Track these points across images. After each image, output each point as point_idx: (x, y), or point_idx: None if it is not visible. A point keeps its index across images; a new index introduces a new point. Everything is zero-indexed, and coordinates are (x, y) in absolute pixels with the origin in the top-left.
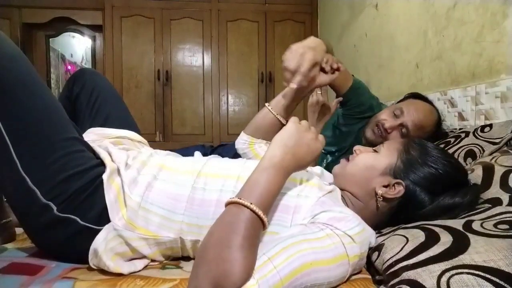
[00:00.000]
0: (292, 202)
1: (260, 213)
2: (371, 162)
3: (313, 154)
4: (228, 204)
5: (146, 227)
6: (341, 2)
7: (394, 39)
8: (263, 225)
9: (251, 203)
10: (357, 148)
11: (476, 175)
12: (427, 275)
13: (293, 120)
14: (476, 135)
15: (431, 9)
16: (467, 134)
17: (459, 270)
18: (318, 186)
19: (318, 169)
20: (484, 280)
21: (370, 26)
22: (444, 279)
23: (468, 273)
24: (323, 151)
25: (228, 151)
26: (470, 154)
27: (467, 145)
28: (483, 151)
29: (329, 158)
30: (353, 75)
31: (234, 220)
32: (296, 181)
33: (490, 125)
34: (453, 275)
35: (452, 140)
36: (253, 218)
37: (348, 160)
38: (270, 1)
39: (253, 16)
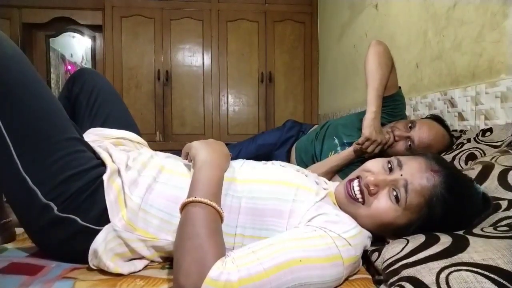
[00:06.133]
0: (287, 207)
1: (214, 204)
2: (390, 220)
3: (222, 146)
4: (186, 204)
5: (146, 229)
6: (341, 2)
7: (394, 39)
8: (219, 214)
9: (204, 199)
10: (371, 182)
11: (474, 173)
12: (426, 272)
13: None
14: (477, 139)
15: (431, 9)
16: (468, 140)
17: (458, 268)
18: (315, 191)
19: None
20: (482, 277)
21: (370, 26)
22: (443, 275)
23: (467, 270)
24: (336, 141)
25: (230, 151)
26: (471, 158)
27: (468, 149)
28: (484, 154)
29: (339, 151)
30: (400, 87)
31: (195, 216)
32: (292, 185)
33: (490, 129)
34: (452, 272)
35: (454, 146)
36: (211, 210)
37: (361, 193)
38: (270, 1)
39: (253, 16)
